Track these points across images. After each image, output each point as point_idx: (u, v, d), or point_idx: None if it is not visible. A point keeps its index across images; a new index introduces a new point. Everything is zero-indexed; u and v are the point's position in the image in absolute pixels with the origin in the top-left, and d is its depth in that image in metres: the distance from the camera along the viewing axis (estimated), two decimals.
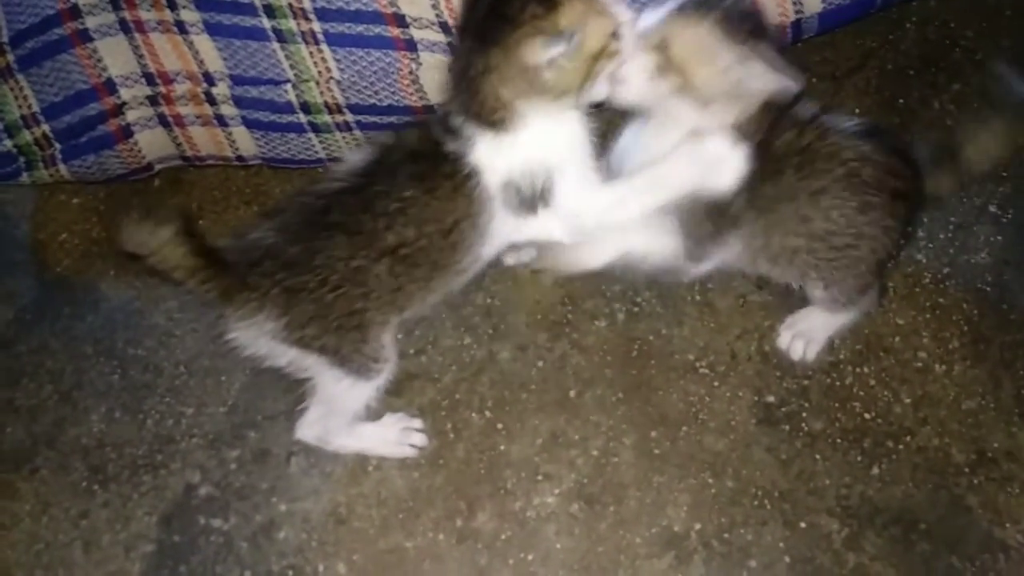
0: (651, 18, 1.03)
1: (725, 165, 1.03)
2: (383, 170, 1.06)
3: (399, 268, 1.06)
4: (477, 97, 1.03)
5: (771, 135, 1.05)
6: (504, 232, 1.10)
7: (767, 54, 0.97)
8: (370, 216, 1.04)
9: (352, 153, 1.12)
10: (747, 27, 0.99)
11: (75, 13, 1.25)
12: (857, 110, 1.47)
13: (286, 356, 1.10)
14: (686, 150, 1.03)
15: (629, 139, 1.13)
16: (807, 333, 1.27)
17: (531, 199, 1.06)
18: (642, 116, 1.12)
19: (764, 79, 0.98)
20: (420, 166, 1.06)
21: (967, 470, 1.19)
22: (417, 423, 1.24)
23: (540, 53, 0.98)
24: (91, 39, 1.26)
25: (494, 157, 1.06)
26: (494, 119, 1.04)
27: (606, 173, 1.09)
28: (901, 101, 1.48)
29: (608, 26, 1.00)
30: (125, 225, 0.95)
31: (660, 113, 1.08)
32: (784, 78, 0.97)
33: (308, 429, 1.21)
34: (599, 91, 1.05)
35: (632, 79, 1.04)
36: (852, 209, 1.09)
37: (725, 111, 1.03)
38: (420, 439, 1.23)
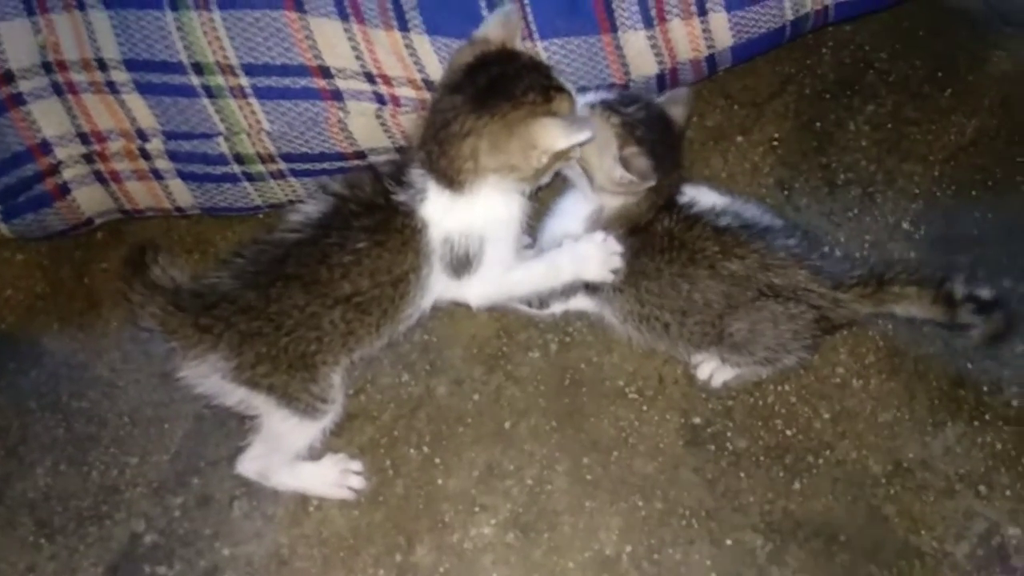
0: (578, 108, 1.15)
1: (593, 262, 1.18)
2: (337, 221, 1.11)
3: (351, 315, 1.11)
4: (448, 153, 1.08)
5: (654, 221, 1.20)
6: (438, 287, 1.16)
7: (637, 162, 1.12)
8: (326, 267, 1.09)
9: (306, 204, 1.16)
10: (638, 134, 1.13)
11: (8, 78, 1.28)
12: (777, 135, 1.53)
13: (235, 395, 1.14)
14: (567, 247, 1.19)
15: (561, 203, 1.29)
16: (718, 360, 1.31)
17: (460, 262, 1.13)
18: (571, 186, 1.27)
19: (628, 179, 1.13)
20: (373, 218, 1.11)
21: (884, 481, 1.24)
22: (356, 465, 1.27)
23: (558, 137, 1.04)
24: (25, 102, 1.30)
25: (442, 213, 1.11)
26: (455, 179, 1.09)
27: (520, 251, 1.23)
28: (818, 124, 1.53)
29: (577, 137, 1.06)
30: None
31: (575, 187, 1.24)
32: (639, 184, 1.13)
33: (249, 463, 1.23)
34: (544, 180, 1.15)
35: None
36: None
37: (613, 197, 1.19)
38: (358, 482, 1.26)
